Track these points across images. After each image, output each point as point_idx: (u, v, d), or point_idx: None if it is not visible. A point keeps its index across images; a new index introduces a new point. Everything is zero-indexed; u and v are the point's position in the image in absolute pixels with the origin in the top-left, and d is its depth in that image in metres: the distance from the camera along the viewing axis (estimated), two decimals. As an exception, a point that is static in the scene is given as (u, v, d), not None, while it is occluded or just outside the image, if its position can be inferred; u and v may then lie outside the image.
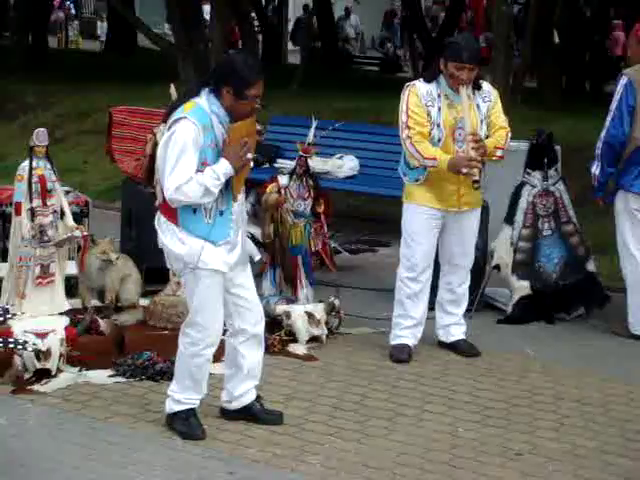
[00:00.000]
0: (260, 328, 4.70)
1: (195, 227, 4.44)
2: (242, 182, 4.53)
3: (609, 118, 6.10)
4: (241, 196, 4.58)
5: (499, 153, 5.60)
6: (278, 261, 6.28)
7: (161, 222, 4.51)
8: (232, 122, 4.40)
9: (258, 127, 4.57)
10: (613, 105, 6.09)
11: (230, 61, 4.57)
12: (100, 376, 5.22)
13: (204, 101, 4.40)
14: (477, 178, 5.43)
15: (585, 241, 6.63)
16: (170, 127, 4.39)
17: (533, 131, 6.83)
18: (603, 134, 6.13)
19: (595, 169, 6.20)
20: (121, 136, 7.13)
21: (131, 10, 17.48)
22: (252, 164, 4.63)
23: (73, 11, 30.37)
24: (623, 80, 6.08)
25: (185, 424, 4.60)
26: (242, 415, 4.75)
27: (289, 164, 7.02)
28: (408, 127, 5.49)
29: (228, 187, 4.45)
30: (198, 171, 4.35)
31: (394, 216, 5.86)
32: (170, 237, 4.47)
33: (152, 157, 6.08)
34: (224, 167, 4.36)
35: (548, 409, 5.07)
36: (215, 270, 4.47)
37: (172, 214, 4.45)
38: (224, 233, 4.49)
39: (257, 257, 4.73)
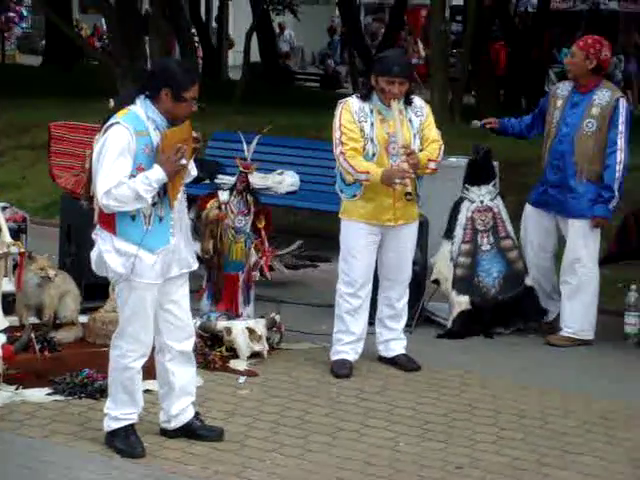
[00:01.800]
0: (188, 345, 4.67)
1: (133, 233, 4.42)
2: (178, 189, 4.51)
3: (625, 143, 6.19)
4: (181, 202, 4.56)
5: (432, 166, 5.65)
6: (216, 277, 6.26)
7: (100, 232, 4.50)
8: (169, 126, 4.41)
9: (195, 134, 4.55)
10: (624, 127, 6.19)
11: (166, 65, 4.63)
12: (38, 395, 5.15)
13: (139, 108, 4.41)
14: (409, 190, 5.49)
15: (523, 256, 6.71)
16: (104, 133, 4.40)
17: (471, 146, 6.91)
18: (623, 157, 6.18)
19: (617, 192, 6.22)
20: (60, 152, 7.07)
21: (70, 24, 17.36)
22: (192, 171, 4.62)
23: (19, 26, 30.01)
24: (624, 103, 6.26)
25: (125, 442, 4.56)
26: (182, 433, 4.73)
27: (230, 180, 7.01)
28: (342, 143, 5.53)
29: (166, 193, 4.43)
30: (132, 176, 4.34)
31: (334, 231, 5.88)
32: (108, 246, 4.45)
33: (91, 172, 6.03)
34: (157, 173, 4.35)
35: (488, 422, 5.12)
36: (149, 283, 4.45)
37: (110, 223, 4.44)
38: (163, 240, 4.47)
39: (195, 266, 4.70)
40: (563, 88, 6.45)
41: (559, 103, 6.38)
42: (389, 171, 5.48)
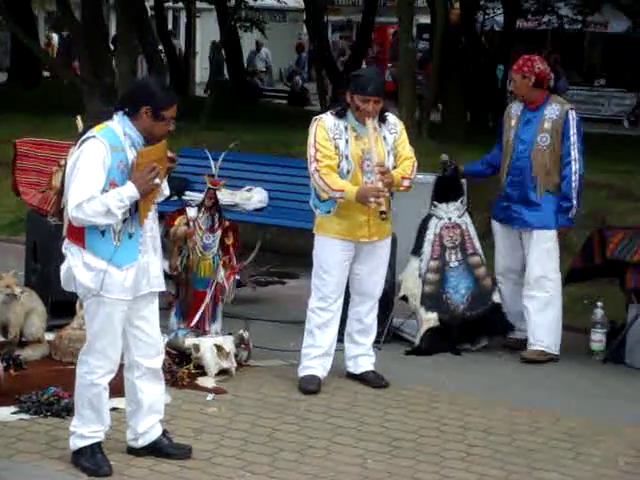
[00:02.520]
0: (157, 362, 4.65)
1: (101, 249, 4.40)
2: (149, 207, 4.49)
3: (579, 153, 6.32)
4: (152, 221, 4.55)
5: (406, 183, 5.68)
6: (184, 294, 6.24)
7: (68, 246, 4.47)
8: (145, 144, 4.41)
9: (170, 154, 4.55)
10: (575, 138, 6.33)
11: (145, 84, 4.64)
12: (3, 413, 5.09)
13: (116, 123, 4.42)
14: (384, 209, 5.50)
15: (490, 273, 6.75)
16: (79, 147, 4.39)
17: (440, 164, 6.94)
18: (578, 167, 6.31)
19: (575, 201, 6.36)
20: (26, 168, 7.03)
21: (35, 41, 17.26)
22: (165, 190, 4.61)
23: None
24: (574, 114, 6.38)
25: (91, 460, 4.51)
26: (150, 451, 4.69)
27: (198, 197, 7.00)
28: (316, 160, 5.54)
29: (137, 210, 4.42)
30: (105, 191, 4.32)
31: (303, 248, 5.89)
32: (76, 261, 4.42)
33: (61, 189, 6.00)
34: (130, 190, 4.35)
35: (456, 439, 5.12)
36: (117, 299, 4.43)
37: (79, 237, 4.42)
38: (131, 256, 4.45)
39: (163, 287, 4.68)
40: (516, 108, 6.56)
41: (513, 122, 6.52)
42: (364, 190, 5.49)
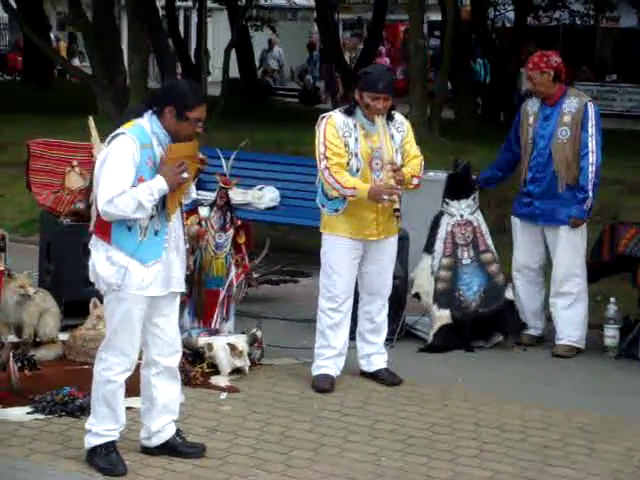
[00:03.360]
0: (174, 361, 4.67)
1: (126, 244, 4.44)
2: (177, 202, 4.54)
3: (596, 145, 6.31)
4: (177, 223, 4.58)
5: (415, 181, 5.68)
6: (197, 293, 6.26)
7: (95, 242, 4.52)
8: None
9: (202, 155, 4.60)
10: (594, 130, 6.31)
11: (175, 83, 4.78)
12: (18, 413, 5.12)
13: (146, 122, 4.47)
14: (398, 206, 5.49)
15: (503, 269, 6.74)
16: (109, 143, 4.44)
17: (451, 161, 6.94)
18: (595, 159, 6.31)
19: (591, 192, 6.36)
20: (39, 169, 7.06)
21: (48, 43, 17.33)
22: (192, 193, 4.67)
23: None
24: (593, 107, 6.38)
25: (106, 460, 4.53)
26: (164, 450, 4.71)
27: (210, 196, 7.01)
28: (326, 158, 5.54)
29: (164, 207, 4.46)
30: (133, 187, 4.37)
31: (315, 246, 5.89)
32: (100, 256, 4.47)
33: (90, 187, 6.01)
34: (159, 184, 4.39)
35: (469, 436, 5.12)
36: (138, 295, 4.45)
37: (105, 232, 4.46)
38: (156, 253, 4.48)
39: (183, 288, 4.71)
40: (532, 104, 6.53)
41: (531, 119, 6.49)
42: (377, 187, 5.49)
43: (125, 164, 4.38)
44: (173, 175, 4.41)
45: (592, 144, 6.31)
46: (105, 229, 4.46)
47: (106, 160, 4.42)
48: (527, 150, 6.49)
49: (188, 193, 4.66)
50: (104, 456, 4.54)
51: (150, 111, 4.49)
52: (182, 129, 4.46)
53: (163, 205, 4.47)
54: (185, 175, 4.46)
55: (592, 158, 6.31)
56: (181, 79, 4.84)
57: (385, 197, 5.46)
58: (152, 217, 4.46)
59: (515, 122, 6.69)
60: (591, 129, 6.33)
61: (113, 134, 4.46)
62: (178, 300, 4.70)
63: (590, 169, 6.31)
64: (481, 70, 19.65)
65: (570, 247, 6.42)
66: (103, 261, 4.46)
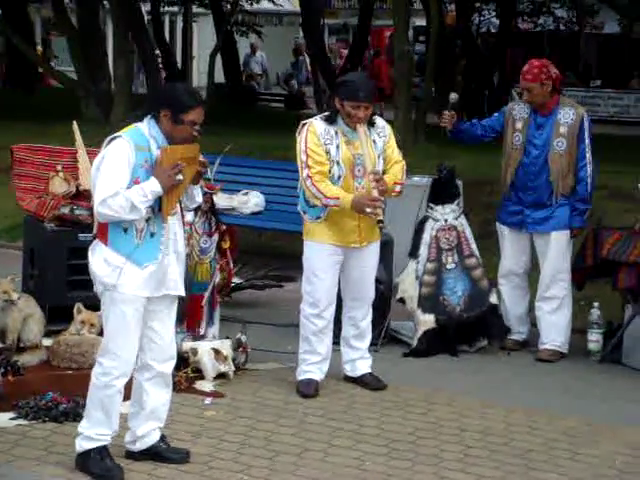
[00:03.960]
0: (168, 367, 4.67)
1: (123, 245, 4.45)
2: (173, 204, 4.53)
3: (591, 155, 6.39)
4: (176, 226, 4.58)
5: (397, 188, 5.68)
6: (182, 298, 6.24)
7: (94, 244, 4.54)
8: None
9: (202, 159, 4.59)
10: (589, 141, 6.38)
11: (171, 87, 4.76)
12: (1, 419, 5.10)
13: (145, 125, 4.49)
14: (382, 218, 5.48)
15: (487, 274, 6.76)
16: (105, 147, 4.47)
17: (436, 166, 6.95)
18: (592, 170, 6.38)
19: (589, 200, 6.46)
20: (22, 174, 7.04)
21: (33, 47, 17.31)
22: (198, 197, 4.64)
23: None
24: (587, 118, 6.42)
25: (101, 465, 4.51)
26: (148, 455, 4.70)
27: (194, 201, 7.00)
28: (308, 167, 5.52)
29: (160, 210, 4.46)
30: (128, 188, 4.38)
31: (300, 251, 5.89)
32: (97, 256, 4.48)
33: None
34: (152, 185, 4.40)
35: (453, 441, 5.13)
36: (133, 295, 4.45)
37: (103, 233, 4.48)
38: (152, 255, 4.49)
39: (181, 292, 4.71)
40: (520, 110, 6.51)
41: (518, 125, 6.47)
42: (360, 199, 5.47)
43: (119, 166, 4.39)
44: (167, 177, 4.41)
45: (589, 155, 6.37)
46: (103, 231, 4.49)
47: (101, 162, 4.44)
48: (512, 155, 6.48)
49: (193, 197, 4.65)
50: (99, 461, 4.52)
51: (149, 115, 4.51)
52: (178, 132, 4.46)
53: (160, 207, 4.47)
54: (180, 177, 4.45)
55: (589, 169, 6.37)
56: (178, 82, 4.82)
57: (368, 210, 5.45)
58: (148, 219, 4.46)
59: (496, 117, 6.62)
60: (587, 140, 6.37)
61: (110, 137, 4.49)
62: (175, 305, 4.69)
63: (589, 180, 6.37)
64: None
65: (558, 252, 6.46)
66: (99, 261, 4.47)
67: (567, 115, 6.38)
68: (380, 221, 5.48)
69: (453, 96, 6.68)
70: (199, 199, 4.72)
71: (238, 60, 21.20)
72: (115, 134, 4.48)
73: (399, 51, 11.37)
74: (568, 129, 6.35)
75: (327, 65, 19.08)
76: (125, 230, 4.45)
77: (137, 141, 4.43)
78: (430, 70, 12.38)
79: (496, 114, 6.71)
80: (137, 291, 4.47)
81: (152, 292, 4.51)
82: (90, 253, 4.54)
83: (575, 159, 6.37)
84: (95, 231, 4.59)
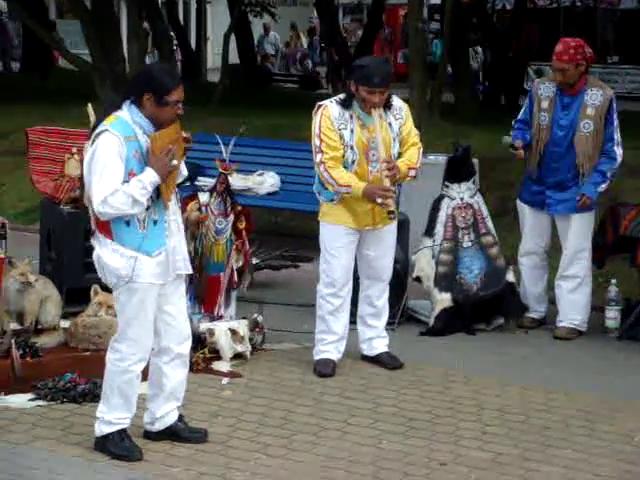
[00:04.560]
0: (185, 348, 4.68)
1: (129, 239, 4.43)
2: (172, 189, 4.52)
3: (618, 134, 6.32)
4: (174, 204, 4.57)
5: (412, 173, 5.64)
6: (198, 279, 6.26)
7: (98, 237, 4.50)
8: (156, 130, 4.42)
9: (185, 134, 4.56)
10: (617, 122, 6.31)
11: (147, 70, 4.68)
12: (20, 400, 5.14)
13: (126, 113, 4.42)
14: (392, 209, 5.45)
15: (504, 252, 6.74)
16: (93, 142, 4.40)
17: (452, 144, 6.93)
18: (621, 151, 6.31)
19: (610, 181, 6.39)
20: (38, 157, 7.05)
21: (48, 31, 17.28)
22: (184, 171, 4.62)
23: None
24: (614, 99, 6.35)
25: (120, 446, 4.54)
26: (166, 435, 4.72)
27: (210, 182, 7.01)
28: (321, 151, 5.50)
29: (159, 196, 4.45)
30: (125, 182, 4.34)
31: (316, 231, 5.89)
32: (106, 251, 4.45)
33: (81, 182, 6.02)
34: (150, 176, 4.37)
35: (471, 419, 5.13)
36: (150, 284, 4.45)
37: (106, 229, 4.45)
38: (159, 243, 4.48)
39: (190, 268, 4.71)
40: (545, 89, 6.41)
41: (544, 104, 6.38)
42: (371, 188, 5.43)
43: (112, 162, 4.33)
44: (162, 165, 4.38)
45: (617, 136, 6.28)
46: (106, 227, 4.44)
47: (92, 160, 4.37)
48: (539, 136, 6.38)
49: (180, 172, 4.61)
50: (118, 443, 4.55)
51: (128, 101, 4.43)
52: (163, 114, 4.41)
53: (157, 194, 4.44)
54: (174, 162, 4.42)
55: (618, 151, 6.28)
56: (151, 64, 4.76)
57: (378, 201, 5.42)
58: (148, 208, 4.43)
59: (527, 103, 6.54)
60: (615, 121, 6.29)
61: (96, 132, 4.40)
62: (184, 286, 4.70)
63: (618, 160, 6.28)
64: (437, 50, 19.47)
65: (579, 232, 6.42)
66: (111, 254, 4.44)
67: (595, 96, 6.28)
68: (391, 212, 5.45)
69: (506, 139, 6.57)
70: (185, 172, 4.66)
71: (252, 41, 21.12)
72: (100, 128, 4.39)
73: (413, 28, 11.29)
74: (596, 111, 6.25)
75: (341, 45, 18.99)
76: (127, 223, 4.42)
77: (124, 132, 4.36)
78: (445, 48, 12.30)
79: (524, 107, 6.58)
80: (152, 279, 4.46)
81: (166, 277, 4.51)
82: (98, 247, 4.49)
83: (602, 141, 6.27)
84: (93, 227, 4.55)
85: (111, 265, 4.44)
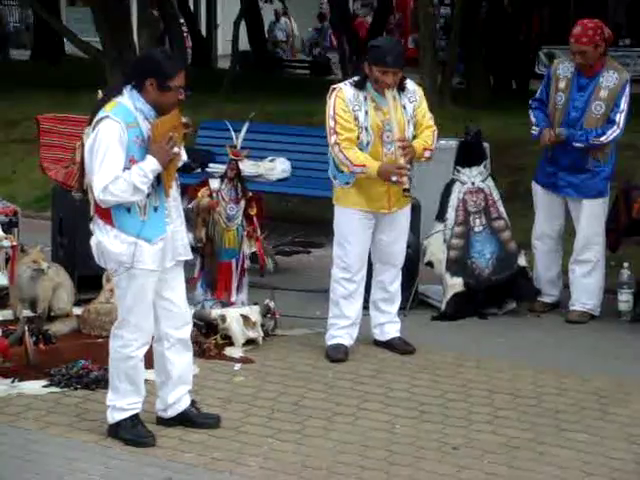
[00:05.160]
0: (185, 332, 4.69)
1: (129, 225, 4.42)
2: (172, 177, 4.51)
3: (624, 120, 6.23)
4: (174, 191, 4.57)
5: (427, 154, 5.64)
6: (210, 265, 6.27)
7: (97, 223, 4.49)
8: (158, 116, 4.40)
9: (184, 119, 4.55)
10: (625, 106, 6.23)
11: (150, 55, 4.64)
12: (34, 387, 5.16)
13: (127, 99, 4.40)
14: (407, 186, 5.45)
15: (515, 236, 6.72)
16: (94, 128, 4.38)
17: (463, 129, 6.90)
18: (619, 133, 6.24)
19: (586, 144, 6.29)
20: (49, 144, 7.06)
21: (57, 18, 17.29)
22: (183, 156, 4.62)
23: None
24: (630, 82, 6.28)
25: (133, 432, 4.56)
26: (179, 421, 4.74)
27: (221, 168, 7.01)
28: (336, 133, 5.49)
29: (160, 183, 4.44)
30: (126, 169, 4.33)
31: (327, 217, 5.89)
32: (107, 237, 4.45)
33: (82, 164, 6.03)
34: (151, 163, 4.36)
35: (483, 403, 5.13)
36: (150, 270, 4.45)
37: (106, 215, 4.44)
38: (159, 230, 4.48)
39: (189, 255, 4.71)
40: (564, 69, 6.36)
41: (562, 85, 6.33)
42: (386, 167, 5.44)
43: (114, 149, 4.31)
44: (164, 152, 4.37)
45: (619, 118, 6.19)
46: (106, 213, 4.44)
47: (94, 147, 4.36)
48: (555, 117, 6.34)
49: (180, 158, 4.57)
50: (130, 429, 4.57)
51: (129, 87, 4.41)
52: (166, 99, 4.39)
53: (158, 181, 4.43)
54: (176, 150, 4.41)
55: (613, 131, 6.18)
56: (152, 49, 4.70)
57: (393, 178, 5.42)
58: (148, 195, 4.42)
59: (544, 83, 6.51)
60: (623, 105, 6.22)
61: (97, 118, 4.38)
62: (182, 271, 4.69)
63: (610, 135, 6.18)
64: None
65: (591, 218, 6.39)
66: (111, 240, 4.43)
67: (610, 79, 6.24)
68: (406, 189, 5.45)
69: (561, 131, 6.34)
70: (184, 157, 4.64)
71: (263, 27, 21.09)
72: (102, 114, 4.36)
73: (424, 13, 11.26)
74: (609, 93, 6.21)
75: (351, 30, 18.92)
76: (128, 210, 4.41)
77: (125, 118, 4.34)
78: (455, 33, 12.26)
79: (541, 86, 6.53)
80: (153, 265, 4.46)
81: (166, 263, 4.52)
82: (98, 233, 4.47)
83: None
84: (92, 212, 4.54)
85: (112, 251, 4.44)
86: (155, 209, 4.47)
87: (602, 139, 6.23)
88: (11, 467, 4.34)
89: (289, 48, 26.60)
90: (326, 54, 25.30)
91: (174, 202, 4.56)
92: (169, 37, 16.68)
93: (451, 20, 15.82)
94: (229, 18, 24.85)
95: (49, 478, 4.26)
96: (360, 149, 5.51)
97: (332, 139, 5.51)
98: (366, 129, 5.50)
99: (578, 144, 6.24)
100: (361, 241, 5.68)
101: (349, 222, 5.65)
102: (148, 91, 4.38)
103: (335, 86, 5.64)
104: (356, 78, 5.62)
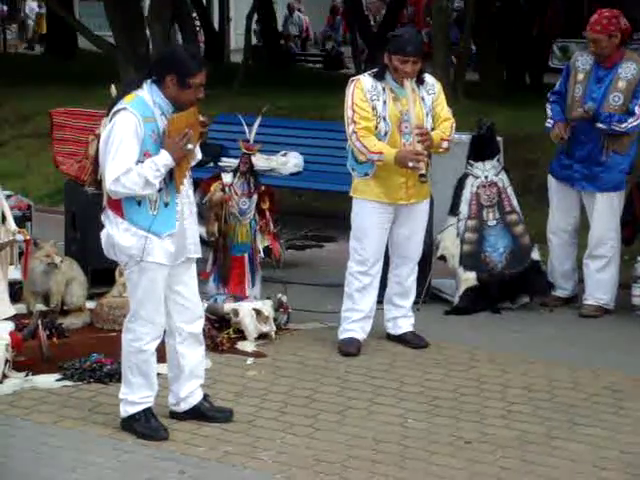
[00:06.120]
0: (197, 327, 4.69)
1: (140, 219, 4.43)
2: (184, 173, 4.52)
3: None
4: (187, 187, 4.57)
5: (445, 145, 5.64)
6: (222, 259, 6.27)
7: (108, 215, 4.50)
8: (175, 112, 4.41)
9: (202, 118, 4.55)
10: None
11: (173, 51, 4.66)
12: (47, 380, 5.18)
13: (146, 93, 4.42)
14: (424, 172, 5.46)
15: (529, 230, 6.70)
16: (111, 119, 4.40)
17: (476, 122, 6.89)
18: (635, 124, 6.18)
19: (607, 126, 6.23)
20: (62, 138, 7.07)
21: (70, 12, 17.30)
22: (198, 154, 4.61)
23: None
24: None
25: (146, 426, 4.57)
26: (191, 415, 4.74)
27: (234, 162, 7.01)
28: (354, 122, 5.50)
29: (172, 178, 4.44)
30: (139, 162, 4.34)
31: (339, 211, 5.89)
32: (117, 229, 4.46)
33: (96, 159, 6.05)
34: (164, 158, 4.36)
35: (496, 397, 5.12)
36: (160, 264, 4.46)
37: (117, 207, 4.45)
38: (169, 225, 4.48)
39: (199, 253, 4.71)
40: (583, 61, 6.34)
41: (580, 77, 6.31)
42: (403, 153, 5.45)
43: (129, 141, 4.33)
44: (177, 148, 4.37)
45: (639, 110, 6.14)
46: (117, 205, 4.45)
47: (109, 138, 4.37)
48: (573, 108, 6.31)
49: (194, 156, 4.60)
50: (144, 422, 4.58)
51: (149, 81, 4.43)
52: (185, 96, 4.40)
53: (170, 177, 4.44)
54: (190, 146, 4.41)
55: (637, 120, 6.13)
56: (177, 45, 4.73)
57: (410, 164, 5.42)
58: (160, 190, 4.42)
59: (563, 75, 6.47)
60: None
61: (115, 110, 4.40)
62: (194, 266, 4.69)
63: (632, 120, 6.13)
64: None
65: (607, 212, 6.36)
66: (122, 233, 4.44)
67: (628, 70, 6.20)
68: (422, 175, 5.45)
69: (590, 105, 6.28)
70: (199, 156, 4.67)
71: (275, 21, 21.07)
72: (119, 106, 4.38)
73: (436, 7, 11.22)
74: (627, 84, 6.17)
75: (364, 23, 18.88)
76: (139, 203, 4.42)
77: (143, 112, 4.35)
78: (468, 26, 12.22)
79: (560, 78, 6.50)
80: (162, 259, 4.47)
81: (175, 260, 4.52)
82: (108, 225, 4.49)
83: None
84: (104, 203, 4.55)
85: (122, 244, 4.45)
86: (166, 204, 4.47)
87: (622, 126, 6.18)
88: (25, 460, 4.36)
89: (300, 43, 26.55)
90: (339, 48, 25.25)
91: (186, 199, 4.57)
92: (182, 32, 16.68)
93: (464, 13, 15.77)
94: (242, 12, 24.86)
95: (62, 471, 4.27)
96: (378, 139, 5.51)
97: (350, 128, 5.52)
98: (384, 119, 5.51)
99: (601, 125, 6.18)
100: (378, 234, 5.67)
101: (367, 215, 5.64)
102: (168, 86, 4.40)
103: (354, 78, 5.66)
104: (375, 69, 5.63)
